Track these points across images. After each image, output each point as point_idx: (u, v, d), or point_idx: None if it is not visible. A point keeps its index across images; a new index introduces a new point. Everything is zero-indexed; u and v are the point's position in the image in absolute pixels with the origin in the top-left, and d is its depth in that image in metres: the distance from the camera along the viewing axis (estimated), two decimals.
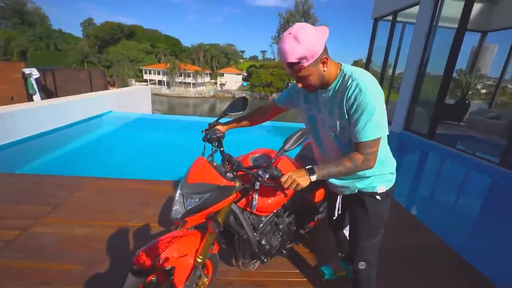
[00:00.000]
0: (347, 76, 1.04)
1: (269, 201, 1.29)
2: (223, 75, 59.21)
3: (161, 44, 59.77)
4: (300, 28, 0.95)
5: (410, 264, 1.90)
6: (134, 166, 3.94)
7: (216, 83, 58.72)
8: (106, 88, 9.74)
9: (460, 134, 6.60)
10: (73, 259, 1.73)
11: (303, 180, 1.01)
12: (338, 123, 1.09)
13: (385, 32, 7.30)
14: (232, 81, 58.93)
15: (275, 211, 1.40)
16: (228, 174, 1.14)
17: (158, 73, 53.50)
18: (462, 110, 7.59)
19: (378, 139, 1.02)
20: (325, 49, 1.02)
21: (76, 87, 7.48)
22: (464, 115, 7.53)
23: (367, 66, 8.60)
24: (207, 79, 58.47)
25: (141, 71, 53.83)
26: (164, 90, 52.30)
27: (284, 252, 1.53)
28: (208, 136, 1.31)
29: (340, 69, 1.07)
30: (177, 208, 1.01)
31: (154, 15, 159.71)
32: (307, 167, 1.03)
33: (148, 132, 6.19)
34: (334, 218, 1.41)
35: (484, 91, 11.78)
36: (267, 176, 1.05)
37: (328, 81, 1.08)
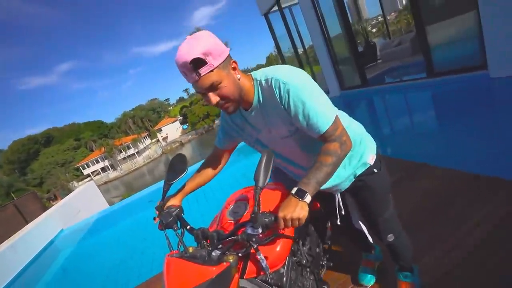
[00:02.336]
0: (264, 81, 0.91)
1: (277, 248, 1.03)
2: (161, 130, 57.68)
3: (85, 133, 56.14)
4: (195, 34, 0.83)
5: (438, 209, 1.81)
6: (115, 276, 3.35)
7: (158, 140, 56.82)
8: (46, 209, 8.51)
9: (383, 70, 7.22)
10: None
11: (300, 210, 0.80)
12: (289, 130, 0.94)
13: (279, 21, 7.77)
14: (172, 130, 57.74)
15: (290, 251, 1.13)
16: (214, 253, 0.88)
17: (97, 162, 49.90)
18: (373, 51, 8.41)
19: (336, 118, 0.89)
20: (232, 59, 0.89)
21: (8, 229, 6.33)
22: (376, 54, 8.35)
23: (280, 56, 9.06)
24: (148, 141, 56.31)
25: (78, 169, 49.49)
26: (112, 173, 48.83)
27: None
28: (163, 222, 1.01)
29: (253, 79, 0.94)
30: None
31: (65, 110, 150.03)
32: (292, 191, 0.84)
33: (112, 230, 5.47)
34: (338, 221, 1.24)
35: (374, 30, 13.65)
36: (260, 231, 0.82)
37: (247, 98, 0.93)
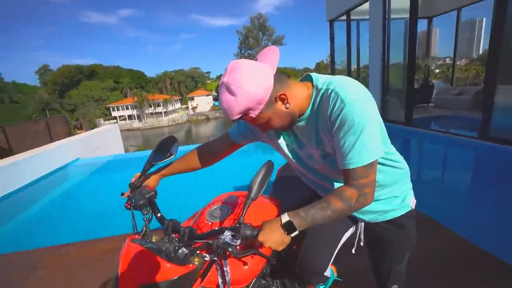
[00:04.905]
0: (323, 90, 0.80)
1: (247, 265, 0.91)
2: (193, 99, 59.07)
3: (124, 79, 58.72)
4: (232, 71, 0.73)
5: (436, 275, 1.69)
6: (107, 219, 3.49)
7: (187, 107, 58.28)
8: (70, 135, 9.08)
9: (433, 115, 6.80)
10: None
11: (281, 243, 0.76)
12: (331, 152, 0.85)
13: (342, 31, 7.52)
14: (203, 103, 58.87)
15: (259, 273, 1.00)
16: (180, 251, 0.80)
17: (127, 108, 52.26)
18: (429, 92, 7.93)
19: (373, 165, 0.77)
20: (280, 81, 0.79)
21: (35, 141, 6.82)
22: (431, 96, 7.87)
23: (331, 66, 8.81)
24: (178, 105, 57.96)
25: (108, 109, 52.24)
26: (136, 123, 51.01)
27: None
28: (133, 202, 0.92)
29: (313, 87, 0.84)
30: None
31: (113, 51, 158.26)
32: (283, 219, 0.76)
33: (121, 175, 5.70)
34: (354, 250, 1.13)
35: (437, 71, 12.79)
36: (238, 243, 0.76)
37: (301, 111, 0.85)
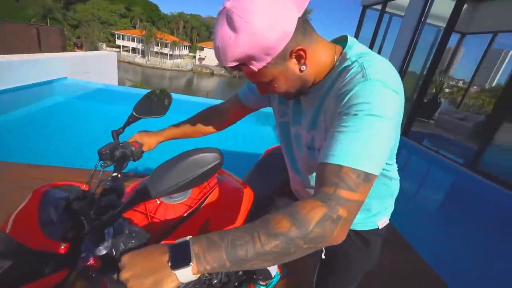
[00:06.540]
0: (351, 61, 0.57)
1: None
2: (202, 49, 56.58)
3: (137, 7, 54.97)
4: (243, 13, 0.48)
5: None
6: (77, 149, 3.38)
7: (194, 56, 56.04)
8: (65, 50, 8.56)
9: (430, 132, 6.74)
10: None
11: (149, 283, 0.41)
12: (320, 147, 0.66)
13: (373, 21, 7.05)
14: (212, 56, 56.44)
15: None
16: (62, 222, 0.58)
17: (133, 40, 49.71)
18: (433, 109, 7.79)
19: (370, 181, 0.49)
20: (303, 31, 0.55)
21: (24, 45, 6.38)
22: (434, 113, 7.75)
23: None
24: (186, 51, 55.58)
25: (113, 35, 49.54)
26: (139, 59, 48.99)
27: None
28: (103, 152, 0.71)
29: (342, 54, 0.61)
30: None
31: None
32: (168, 258, 0.42)
33: (107, 107, 5.48)
34: (323, 255, 0.92)
35: (447, 90, 12.49)
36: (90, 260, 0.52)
37: (315, 80, 0.63)
